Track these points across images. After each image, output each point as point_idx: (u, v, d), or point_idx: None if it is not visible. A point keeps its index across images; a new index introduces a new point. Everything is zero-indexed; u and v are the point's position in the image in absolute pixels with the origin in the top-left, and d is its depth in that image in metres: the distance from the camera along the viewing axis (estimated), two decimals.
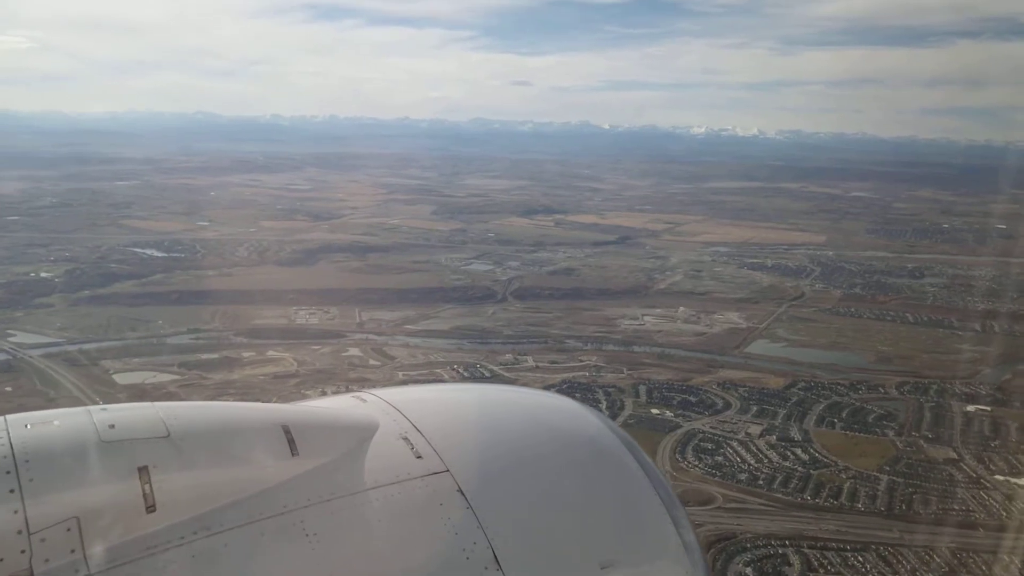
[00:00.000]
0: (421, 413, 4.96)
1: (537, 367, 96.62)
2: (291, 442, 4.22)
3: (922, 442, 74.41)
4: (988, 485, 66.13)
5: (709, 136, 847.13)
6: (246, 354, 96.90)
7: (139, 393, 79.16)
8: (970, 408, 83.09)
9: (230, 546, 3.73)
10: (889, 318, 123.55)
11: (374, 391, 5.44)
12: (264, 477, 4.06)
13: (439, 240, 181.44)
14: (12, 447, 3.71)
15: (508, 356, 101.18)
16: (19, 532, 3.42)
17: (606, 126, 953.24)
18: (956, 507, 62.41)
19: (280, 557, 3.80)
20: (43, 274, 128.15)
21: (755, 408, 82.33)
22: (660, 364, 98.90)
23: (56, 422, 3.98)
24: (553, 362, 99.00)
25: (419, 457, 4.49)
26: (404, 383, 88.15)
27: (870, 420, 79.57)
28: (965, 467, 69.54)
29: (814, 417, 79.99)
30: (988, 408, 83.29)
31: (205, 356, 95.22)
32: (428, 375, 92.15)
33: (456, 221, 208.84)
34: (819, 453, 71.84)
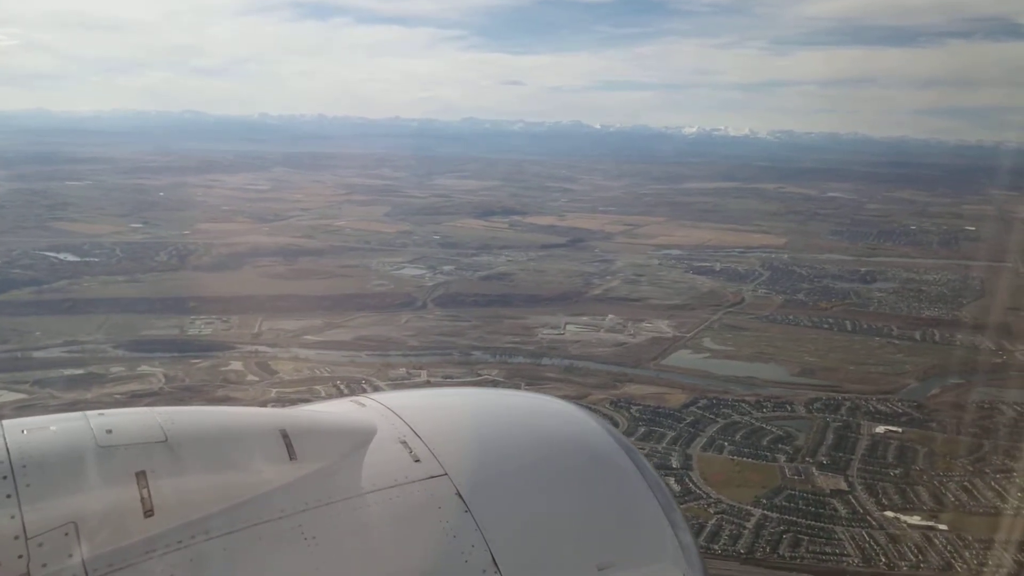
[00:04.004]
0: (419, 417, 4.91)
1: (428, 383, 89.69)
2: (289, 446, 4.20)
3: (814, 469, 67.54)
4: (873, 523, 59.22)
5: (700, 136, 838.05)
6: (115, 369, 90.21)
7: None
8: (879, 429, 76.20)
9: (228, 550, 3.70)
10: (826, 326, 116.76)
11: (373, 395, 5.34)
12: (262, 481, 4.03)
13: (380, 243, 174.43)
14: (8, 452, 3.68)
15: (402, 370, 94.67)
16: (16, 537, 3.42)
17: (597, 126, 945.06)
18: (828, 550, 55.53)
19: (278, 561, 3.77)
20: None
21: (643, 430, 75.46)
22: (564, 379, 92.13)
23: (53, 427, 3.96)
24: (448, 377, 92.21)
25: (417, 461, 4.47)
26: (268, 403, 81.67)
27: (764, 443, 72.63)
28: (853, 500, 62.64)
29: (704, 440, 73.13)
30: (899, 430, 76.41)
31: (68, 372, 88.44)
32: (305, 392, 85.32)
33: (406, 223, 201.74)
34: (694, 483, 64.98)
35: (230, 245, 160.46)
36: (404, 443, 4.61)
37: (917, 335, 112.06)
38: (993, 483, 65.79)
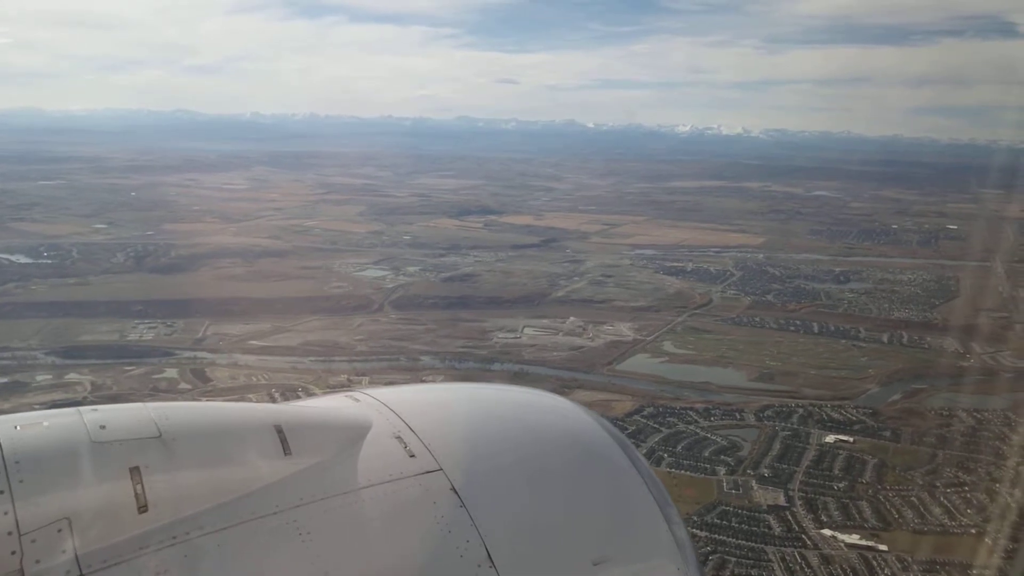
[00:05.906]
0: (414, 412, 4.85)
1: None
2: (284, 442, 4.17)
3: (754, 483, 64.10)
4: (808, 543, 55.73)
5: (693, 135, 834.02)
6: (41, 377, 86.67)
7: None
8: (829, 439, 72.70)
9: (222, 546, 3.67)
10: (792, 328, 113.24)
11: (367, 390, 5.28)
12: (257, 477, 4.00)
13: (347, 243, 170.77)
14: (1, 448, 3.65)
15: (343, 377, 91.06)
16: (9, 533, 3.40)
17: (591, 125, 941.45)
18: (755, 573, 52.05)
19: (273, 557, 3.75)
20: None
21: None
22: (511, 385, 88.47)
23: (46, 423, 3.93)
24: (390, 383, 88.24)
25: (412, 456, 4.43)
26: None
27: (706, 454, 69.18)
28: (790, 517, 59.17)
29: (642, 452, 69.31)
30: (850, 439, 72.89)
31: None
32: (236, 400, 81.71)
33: (379, 223, 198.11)
34: None
35: (192, 246, 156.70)
36: (399, 438, 4.52)
37: (884, 338, 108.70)
38: (943, 498, 62.36)
